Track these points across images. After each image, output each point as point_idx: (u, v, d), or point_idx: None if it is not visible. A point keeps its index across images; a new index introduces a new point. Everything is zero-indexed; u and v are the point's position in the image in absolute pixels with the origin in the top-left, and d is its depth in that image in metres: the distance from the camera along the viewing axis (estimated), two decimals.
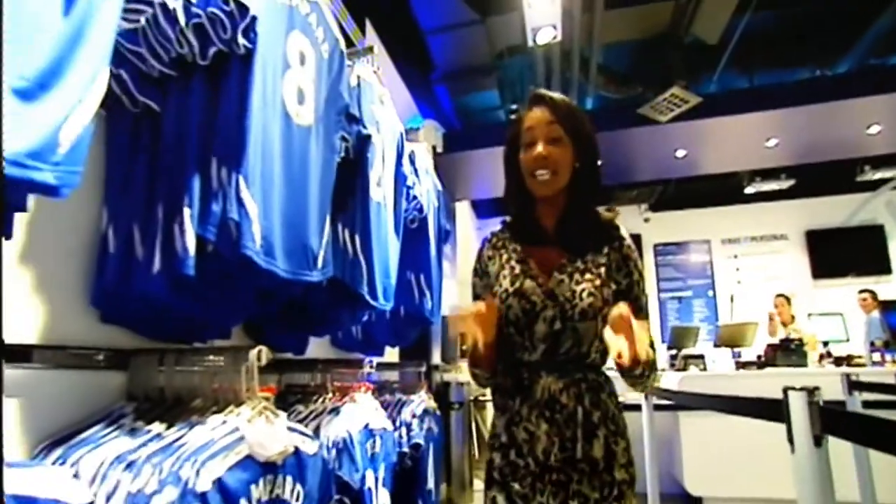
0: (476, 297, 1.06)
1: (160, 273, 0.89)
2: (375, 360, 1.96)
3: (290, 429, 0.97)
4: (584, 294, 0.93)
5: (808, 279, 5.69)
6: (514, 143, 1.00)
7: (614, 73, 3.63)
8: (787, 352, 3.53)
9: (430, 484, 1.95)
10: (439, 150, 3.89)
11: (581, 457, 0.90)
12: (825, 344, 4.14)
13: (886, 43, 3.42)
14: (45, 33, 0.53)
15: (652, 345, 0.95)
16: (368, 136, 1.35)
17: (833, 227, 5.64)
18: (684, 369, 3.63)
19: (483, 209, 5.89)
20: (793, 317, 4.47)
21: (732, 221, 6.01)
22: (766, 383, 2.97)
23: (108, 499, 0.73)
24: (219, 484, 0.77)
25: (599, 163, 1.01)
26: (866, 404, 2.05)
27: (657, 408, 2.76)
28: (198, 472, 0.75)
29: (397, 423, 1.76)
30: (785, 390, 0.79)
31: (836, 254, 5.56)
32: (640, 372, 0.90)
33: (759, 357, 3.69)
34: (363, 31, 2.69)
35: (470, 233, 5.32)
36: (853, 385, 2.03)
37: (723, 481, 2.93)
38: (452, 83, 3.84)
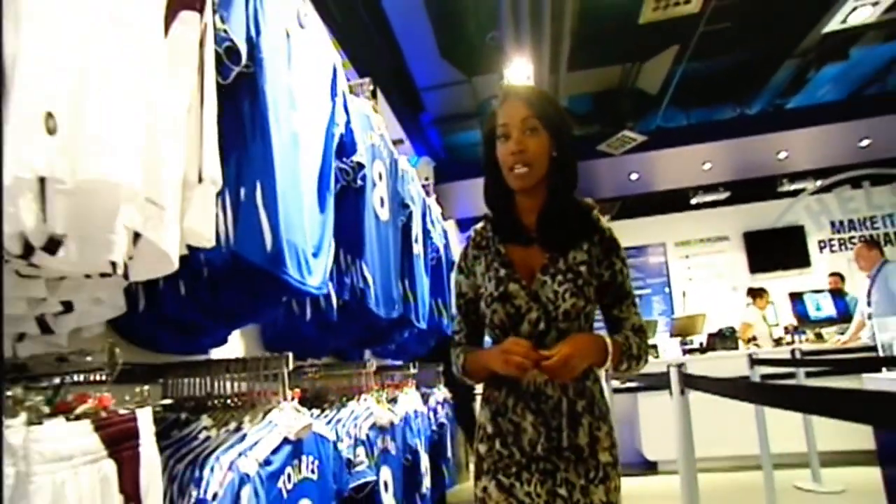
0: (460, 294, 1.06)
1: (311, 319, 1.51)
2: (400, 363, 2.59)
3: (388, 409, 1.61)
4: (567, 295, 0.93)
5: (747, 274, 6.59)
6: (491, 138, 0.98)
7: (576, 115, 4.37)
8: (723, 338, 4.36)
9: (449, 454, 2.62)
10: (431, 181, 4.54)
11: (567, 445, 0.92)
12: None
13: (785, 90, 4.32)
14: (316, 223, 1.16)
15: (643, 329, 0.99)
16: (412, 212, 1.99)
17: (765, 229, 6.57)
18: None
19: (465, 226, 6.60)
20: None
21: (683, 226, 6.84)
22: (704, 364, 3.75)
23: None
24: (367, 437, 1.40)
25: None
26: (764, 376, 2.81)
27: (619, 391, 3.49)
28: (359, 429, 1.37)
29: (428, 408, 2.40)
30: (668, 366, 1.47)
31: (768, 251, 6.48)
32: (625, 367, 0.96)
33: (701, 344, 4.49)
34: (374, 95, 3.32)
35: (455, 245, 6.01)
36: (754, 362, 2.79)
37: (673, 446, 3.67)
38: (442, 126, 4.51)
